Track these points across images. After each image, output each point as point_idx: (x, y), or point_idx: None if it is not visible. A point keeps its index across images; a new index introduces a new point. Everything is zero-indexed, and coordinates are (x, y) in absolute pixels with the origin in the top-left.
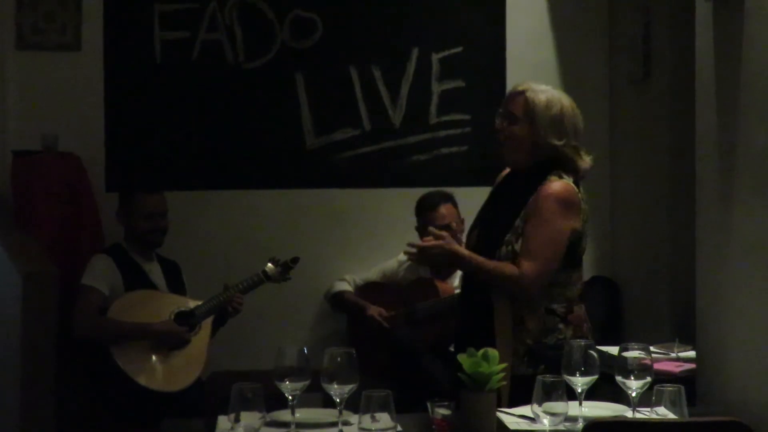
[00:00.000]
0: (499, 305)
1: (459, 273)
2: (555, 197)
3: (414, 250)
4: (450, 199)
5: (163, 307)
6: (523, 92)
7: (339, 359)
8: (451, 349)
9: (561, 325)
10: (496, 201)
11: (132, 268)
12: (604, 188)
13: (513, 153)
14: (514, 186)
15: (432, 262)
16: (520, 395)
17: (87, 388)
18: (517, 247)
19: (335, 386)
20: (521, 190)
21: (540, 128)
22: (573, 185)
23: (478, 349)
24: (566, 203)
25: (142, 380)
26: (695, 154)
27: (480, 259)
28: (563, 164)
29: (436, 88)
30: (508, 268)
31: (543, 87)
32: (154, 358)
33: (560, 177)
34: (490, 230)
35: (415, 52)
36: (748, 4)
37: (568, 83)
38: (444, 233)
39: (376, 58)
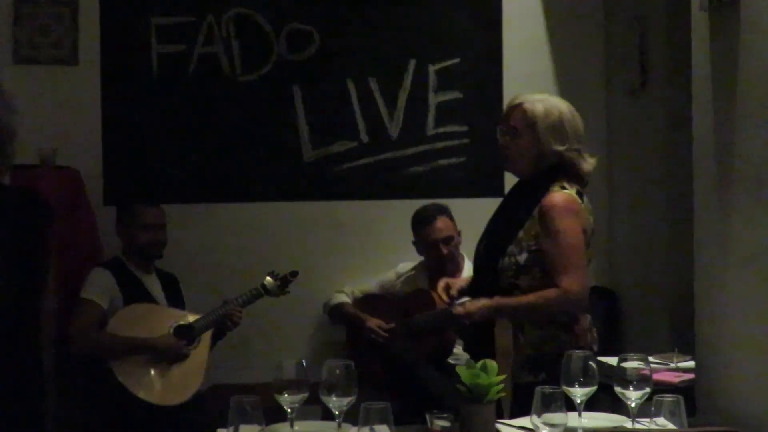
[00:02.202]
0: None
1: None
2: (558, 208)
3: (445, 296)
4: (445, 211)
5: (163, 320)
6: (520, 104)
7: (338, 371)
8: (450, 360)
9: (563, 335)
10: (502, 212)
11: (131, 281)
12: (602, 198)
13: (518, 165)
14: (518, 197)
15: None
16: (523, 404)
17: (86, 402)
18: (521, 259)
19: (334, 398)
20: (524, 200)
21: (542, 136)
22: (575, 196)
23: (480, 359)
24: (571, 211)
25: (142, 394)
26: (692, 164)
27: (513, 299)
28: (567, 170)
29: (433, 99)
30: (548, 293)
31: (538, 96)
32: (153, 372)
33: (563, 188)
34: (493, 242)
35: (412, 64)
36: (744, 14)
37: (564, 93)
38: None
39: (373, 70)
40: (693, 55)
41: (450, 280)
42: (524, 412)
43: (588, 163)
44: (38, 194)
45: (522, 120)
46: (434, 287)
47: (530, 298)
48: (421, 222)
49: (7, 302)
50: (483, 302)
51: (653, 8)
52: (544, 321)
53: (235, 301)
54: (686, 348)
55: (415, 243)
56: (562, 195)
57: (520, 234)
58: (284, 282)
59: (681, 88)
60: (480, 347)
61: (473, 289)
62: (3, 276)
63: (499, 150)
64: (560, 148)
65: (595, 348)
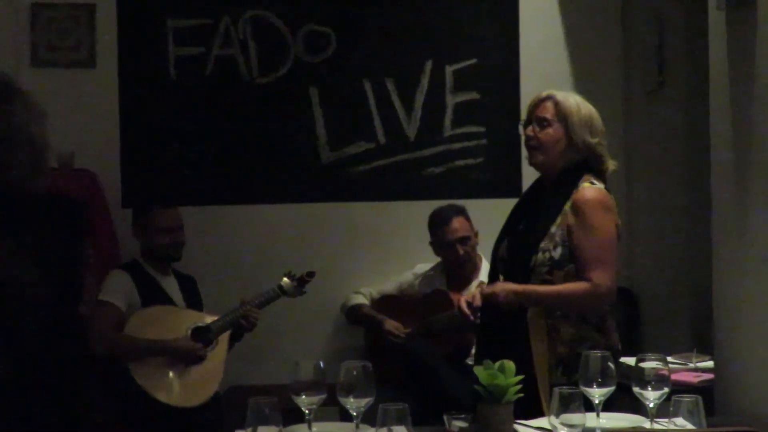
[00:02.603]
0: (533, 317)
1: (475, 284)
2: (593, 202)
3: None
4: (462, 212)
5: (180, 322)
6: (549, 97)
7: (355, 373)
8: (468, 361)
9: (596, 334)
10: (526, 210)
11: (149, 283)
12: (621, 198)
13: (546, 156)
14: (544, 193)
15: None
16: None
17: (104, 404)
18: (555, 254)
19: (352, 400)
20: (553, 196)
21: (575, 126)
22: (607, 192)
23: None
24: (605, 207)
25: (161, 396)
26: (710, 163)
27: (542, 287)
28: (593, 165)
29: (450, 100)
30: (576, 285)
31: (564, 93)
32: (171, 373)
33: (592, 184)
34: (523, 239)
35: (428, 65)
36: (762, 12)
37: (582, 94)
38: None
39: (390, 71)
40: (710, 55)
41: (468, 296)
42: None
43: (611, 162)
44: (74, 201)
45: (552, 111)
46: (452, 288)
47: (559, 288)
48: (437, 222)
49: (45, 312)
50: (510, 285)
51: (671, 8)
52: (576, 319)
53: (252, 302)
54: (705, 348)
55: (432, 244)
56: (595, 190)
57: (552, 229)
58: (301, 283)
59: (699, 88)
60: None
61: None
62: (40, 284)
63: (527, 141)
64: (592, 140)
65: (620, 348)
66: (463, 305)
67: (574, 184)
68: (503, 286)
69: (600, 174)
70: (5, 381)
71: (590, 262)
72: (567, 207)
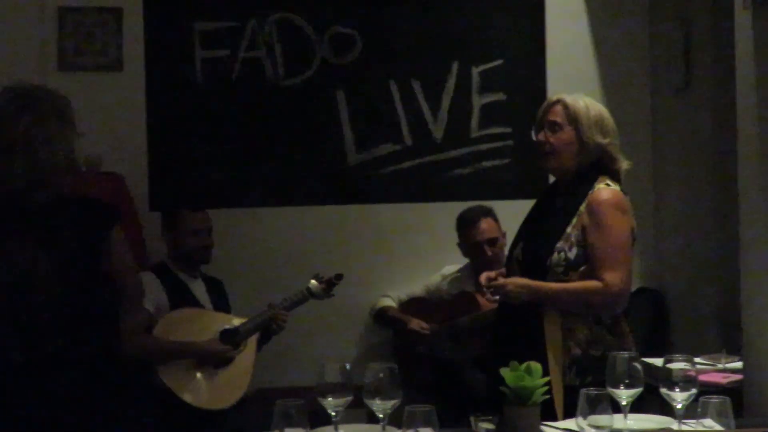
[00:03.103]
0: (549, 316)
1: None
2: (608, 203)
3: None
4: (490, 213)
5: (209, 325)
6: (558, 101)
7: (381, 375)
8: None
9: (609, 336)
10: (542, 212)
11: (177, 286)
12: (648, 198)
13: (559, 160)
14: (559, 195)
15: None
16: (567, 407)
17: (132, 406)
18: (570, 255)
19: (378, 402)
20: (569, 197)
21: (586, 128)
22: (622, 193)
23: (524, 362)
24: (620, 208)
25: (188, 398)
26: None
27: (555, 284)
28: (607, 166)
29: (477, 101)
30: (589, 283)
31: (574, 95)
32: (199, 375)
33: (608, 185)
34: (539, 240)
35: (455, 66)
36: None
37: (609, 93)
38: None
39: (416, 72)
40: (737, 53)
41: (491, 272)
42: (571, 414)
43: (625, 162)
44: (101, 202)
45: (564, 114)
46: (480, 290)
47: (570, 285)
48: (465, 224)
49: (65, 306)
50: (522, 280)
51: (697, 7)
52: (591, 321)
53: (280, 304)
54: (734, 348)
55: (459, 245)
56: (611, 191)
57: (568, 230)
58: (329, 285)
59: (726, 86)
60: (524, 347)
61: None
62: (60, 280)
63: (540, 147)
64: (603, 140)
65: (634, 350)
66: (483, 278)
67: (590, 186)
68: (514, 280)
69: (615, 175)
70: (24, 367)
71: (603, 262)
72: (582, 208)
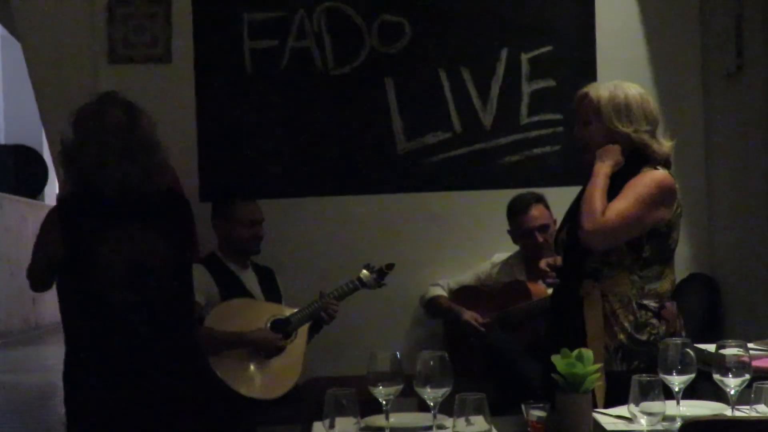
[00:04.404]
0: (589, 302)
1: None
2: (656, 182)
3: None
4: (541, 200)
5: (260, 315)
6: (585, 93)
7: (432, 363)
8: None
9: (654, 320)
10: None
11: (227, 277)
12: (700, 183)
13: (593, 153)
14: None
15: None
16: (614, 393)
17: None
18: None
19: (429, 390)
20: (612, 183)
21: (607, 120)
22: (669, 175)
23: (570, 349)
24: (664, 191)
25: (241, 388)
26: None
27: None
28: (648, 155)
29: (527, 88)
30: (593, 206)
31: (607, 84)
32: (251, 366)
33: (656, 168)
34: None
35: (504, 53)
36: None
37: (660, 79)
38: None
39: (465, 59)
40: None
41: (551, 259)
42: (617, 402)
43: (663, 146)
44: (182, 196)
45: (589, 108)
46: (531, 277)
47: (595, 190)
48: (516, 211)
49: (170, 280)
50: None
51: None
52: (636, 306)
53: (331, 294)
54: None
55: (510, 232)
56: (662, 173)
57: None
58: (380, 275)
59: None
60: (567, 331)
61: (560, 276)
62: (168, 259)
63: (577, 142)
64: (626, 129)
65: (684, 335)
66: (543, 264)
67: (635, 171)
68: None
69: (660, 161)
70: (139, 327)
71: (613, 205)
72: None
